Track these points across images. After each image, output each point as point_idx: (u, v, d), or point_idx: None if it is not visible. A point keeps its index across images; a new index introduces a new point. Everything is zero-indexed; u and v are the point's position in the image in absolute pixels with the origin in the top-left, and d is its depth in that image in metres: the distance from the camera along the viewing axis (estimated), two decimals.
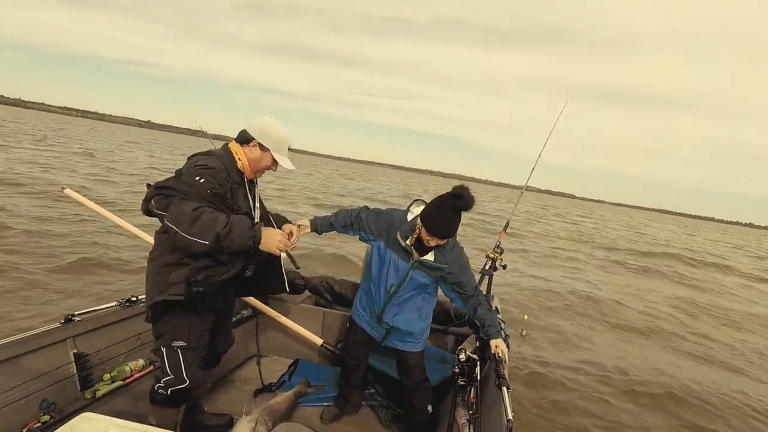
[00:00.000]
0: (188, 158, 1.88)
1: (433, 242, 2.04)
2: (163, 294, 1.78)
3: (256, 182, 2.06)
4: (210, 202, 1.71)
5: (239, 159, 1.90)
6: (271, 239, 1.74)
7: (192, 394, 2.04)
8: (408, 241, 2.12)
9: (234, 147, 1.92)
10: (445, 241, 2.05)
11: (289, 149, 1.99)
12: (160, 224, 1.80)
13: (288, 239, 1.84)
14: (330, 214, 2.37)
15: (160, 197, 1.72)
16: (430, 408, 2.42)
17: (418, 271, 2.15)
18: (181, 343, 1.87)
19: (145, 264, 1.90)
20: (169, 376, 1.89)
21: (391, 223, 2.20)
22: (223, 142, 2.01)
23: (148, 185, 1.88)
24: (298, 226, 2.16)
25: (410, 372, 2.39)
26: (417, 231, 2.08)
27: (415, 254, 2.13)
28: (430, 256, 2.12)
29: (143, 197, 1.87)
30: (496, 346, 2.19)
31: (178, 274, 1.79)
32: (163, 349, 1.88)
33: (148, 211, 1.81)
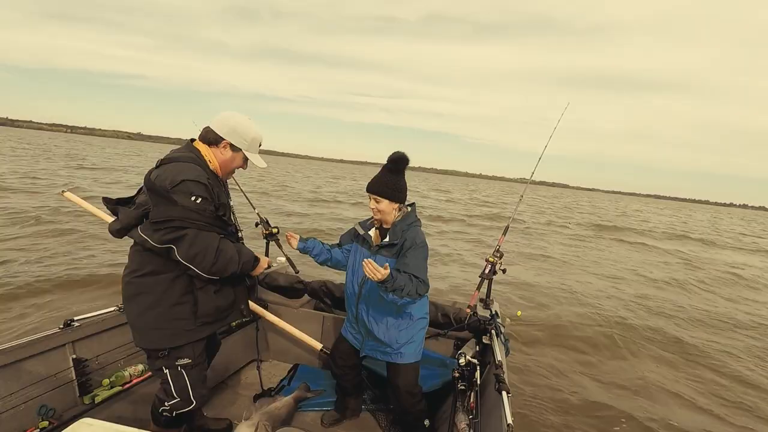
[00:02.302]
0: (158, 164, 1.74)
1: (373, 204, 2.17)
2: (173, 340, 1.74)
3: (226, 181, 1.99)
4: (212, 224, 1.70)
5: (210, 161, 1.80)
6: (260, 268, 1.95)
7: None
8: (370, 232, 2.28)
9: (202, 148, 1.81)
10: (383, 200, 2.14)
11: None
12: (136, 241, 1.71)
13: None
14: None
15: (164, 231, 1.61)
16: (427, 422, 2.35)
17: (380, 256, 2.19)
18: (186, 361, 1.77)
19: None
20: (176, 399, 1.80)
21: (357, 226, 2.36)
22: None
23: (106, 200, 1.78)
24: (287, 237, 2.38)
25: (399, 393, 2.26)
26: (372, 219, 2.28)
27: (376, 239, 2.27)
28: (387, 239, 2.20)
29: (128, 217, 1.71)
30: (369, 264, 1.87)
31: (182, 309, 1.73)
32: (167, 371, 1.77)
33: (122, 235, 1.73)
